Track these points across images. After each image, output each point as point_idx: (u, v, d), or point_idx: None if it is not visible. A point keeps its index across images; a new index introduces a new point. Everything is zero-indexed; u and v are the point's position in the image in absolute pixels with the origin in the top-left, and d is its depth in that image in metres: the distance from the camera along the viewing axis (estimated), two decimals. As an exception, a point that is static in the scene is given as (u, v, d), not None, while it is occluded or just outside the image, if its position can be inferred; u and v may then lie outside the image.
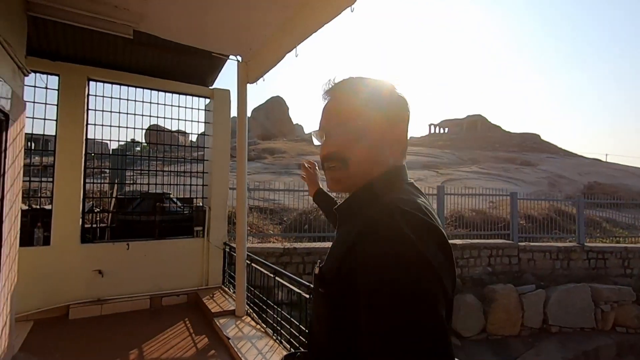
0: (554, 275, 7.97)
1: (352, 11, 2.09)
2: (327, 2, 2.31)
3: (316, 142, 0.82)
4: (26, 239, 3.62)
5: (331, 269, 0.69)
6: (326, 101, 0.79)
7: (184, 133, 5.07)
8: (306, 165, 1.59)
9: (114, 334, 3.42)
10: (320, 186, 1.52)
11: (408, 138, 0.80)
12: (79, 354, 3.00)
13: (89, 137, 4.13)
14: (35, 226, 3.80)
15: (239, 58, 3.59)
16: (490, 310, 6.96)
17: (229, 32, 3.17)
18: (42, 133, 3.87)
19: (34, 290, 3.58)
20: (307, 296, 2.71)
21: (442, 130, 54.62)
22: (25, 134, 2.98)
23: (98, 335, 3.37)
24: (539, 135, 43.97)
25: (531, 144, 36.18)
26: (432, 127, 56.03)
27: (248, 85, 3.54)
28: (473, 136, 40.69)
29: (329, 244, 6.66)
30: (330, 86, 0.79)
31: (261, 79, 3.37)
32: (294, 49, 2.72)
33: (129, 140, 5.02)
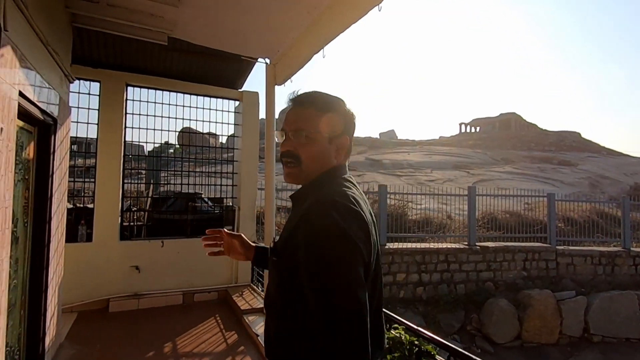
0: (595, 281, 7.52)
1: (379, 10, 2.08)
2: (353, 3, 2.31)
3: (277, 140, 1.00)
4: (71, 236, 3.87)
5: (282, 242, 0.91)
6: (289, 107, 0.97)
7: (215, 135, 5.24)
8: (210, 235, 1.25)
9: (149, 327, 3.58)
10: (254, 243, 1.26)
11: (352, 145, 0.99)
12: (117, 345, 3.17)
13: (126, 139, 4.36)
14: (79, 224, 4.05)
15: (267, 60, 3.66)
16: (525, 317, 6.67)
17: (258, 35, 3.24)
18: (85, 136, 4.13)
19: (77, 283, 3.81)
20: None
21: (473, 129, 52.93)
22: (70, 137, 3.19)
23: (135, 328, 3.55)
24: (579, 134, 41.62)
25: (570, 142, 34.30)
26: (463, 126, 54.44)
27: (276, 87, 3.61)
28: (506, 135, 39.12)
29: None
30: (294, 96, 0.97)
31: (289, 81, 3.42)
32: (321, 50, 2.74)
33: (163, 142, 5.24)
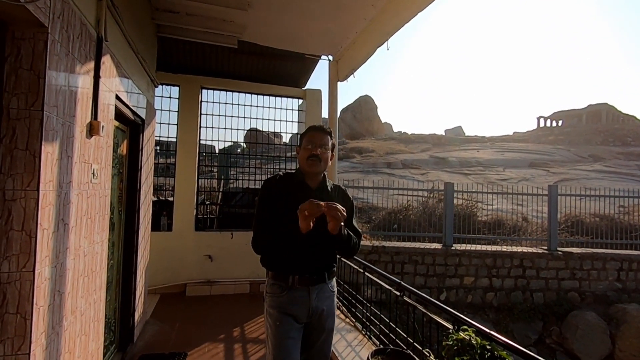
0: None
1: (448, -5, 1.98)
2: (420, -10, 2.23)
3: (310, 146, 1.67)
4: (154, 225, 4.31)
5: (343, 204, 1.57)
6: (321, 132, 1.70)
7: (279, 135, 5.44)
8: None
9: (220, 312, 3.86)
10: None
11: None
12: (194, 326, 3.47)
13: (201, 139, 4.73)
14: (162, 215, 4.51)
15: (330, 57, 3.69)
16: (619, 334, 5.85)
17: (321, 33, 3.28)
18: (167, 136, 4.58)
19: (160, 268, 4.24)
20: (398, 294, 2.66)
21: (554, 124, 47.72)
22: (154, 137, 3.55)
23: (208, 311, 3.85)
24: (692, 125, 35.13)
25: (680, 135, 29.13)
26: (542, 120, 49.35)
27: (339, 83, 3.63)
28: (594, 129, 34.56)
29: (419, 244, 6.42)
30: (326, 127, 1.76)
31: (352, 76, 3.42)
32: (385, 43, 2.69)
33: (232, 141, 5.58)
